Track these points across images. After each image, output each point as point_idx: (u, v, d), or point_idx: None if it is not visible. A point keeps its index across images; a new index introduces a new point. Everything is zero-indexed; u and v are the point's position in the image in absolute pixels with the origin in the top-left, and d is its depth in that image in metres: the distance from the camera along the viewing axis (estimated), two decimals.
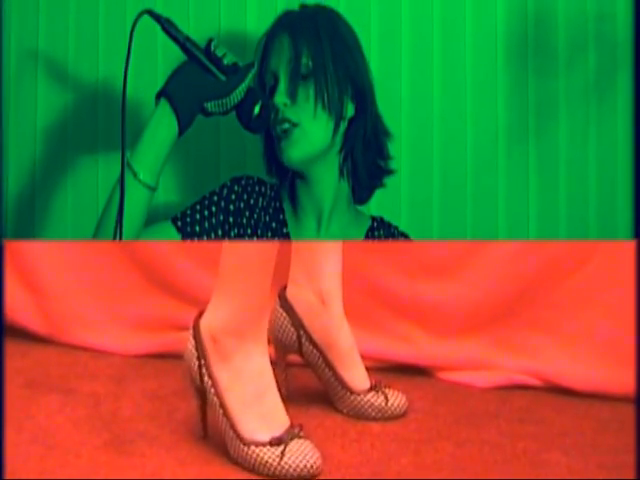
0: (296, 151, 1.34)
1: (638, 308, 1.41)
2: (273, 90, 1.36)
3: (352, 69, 1.37)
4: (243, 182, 1.42)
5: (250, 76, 1.26)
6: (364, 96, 1.38)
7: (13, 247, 1.57)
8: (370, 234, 1.44)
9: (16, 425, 1.28)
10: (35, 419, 1.31)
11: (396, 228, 1.47)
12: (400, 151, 1.65)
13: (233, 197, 1.39)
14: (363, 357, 1.39)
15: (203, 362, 1.22)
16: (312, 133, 1.34)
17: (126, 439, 1.25)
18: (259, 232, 1.39)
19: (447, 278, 1.52)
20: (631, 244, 1.44)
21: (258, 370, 1.21)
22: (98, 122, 1.69)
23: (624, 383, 1.42)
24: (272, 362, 1.34)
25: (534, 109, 1.72)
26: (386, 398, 1.35)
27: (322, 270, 1.36)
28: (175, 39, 1.25)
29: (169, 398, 1.39)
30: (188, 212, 1.37)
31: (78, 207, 1.70)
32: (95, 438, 1.25)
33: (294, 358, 1.39)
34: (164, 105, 1.23)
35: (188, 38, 1.25)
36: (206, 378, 1.21)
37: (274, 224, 1.41)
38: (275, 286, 1.38)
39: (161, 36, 1.61)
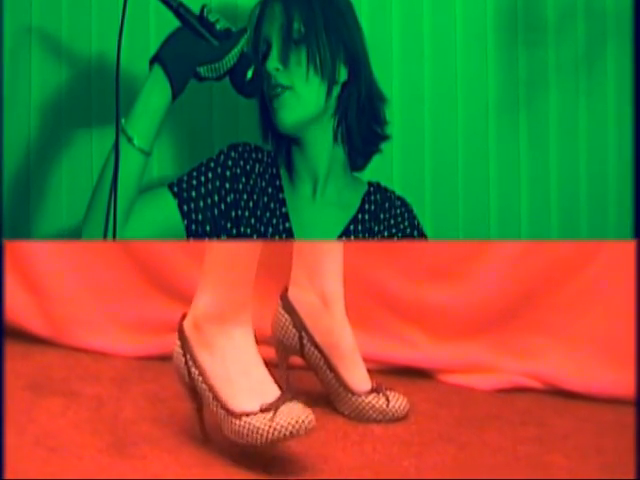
0: (289, 115, 1.35)
1: (638, 308, 1.41)
2: (266, 56, 1.37)
3: (344, 33, 1.38)
4: (240, 149, 1.43)
5: (243, 41, 1.27)
6: (357, 60, 1.39)
7: (15, 249, 1.57)
8: (367, 199, 1.44)
9: (18, 428, 1.28)
10: (37, 422, 1.31)
11: (392, 193, 1.47)
12: (392, 122, 1.66)
13: (230, 163, 1.40)
14: (365, 359, 1.39)
15: (189, 357, 1.22)
16: (304, 97, 1.35)
17: (128, 441, 1.25)
18: (255, 197, 1.40)
19: (449, 281, 1.51)
20: (631, 244, 1.44)
21: (241, 349, 1.21)
22: (92, 96, 1.69)
23: (625, 386, 1.42)
24: (274, 364, 1.34)
25: (524, 80, 1.73)
26: (387, 400, 1.35)
27: (324, 271, 1.36)
28: (168, 4, 1.26)
29: (171, 400, 1.39)
30: (185, 178, 1.38)
31: (73, 181, 1.70)
32: (97, 441, 1.25)
33: (295, 361, 1.39)
34: (157, 70, 1.24)
35: (181, 4, 1.26)
36: (193, 369, 1.22)
37: (270, 190, 1.41)
38: (277, 288, 1.39)
39: (154, 7, 1.61)
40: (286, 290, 1.39)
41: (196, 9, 1.26)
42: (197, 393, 1.23)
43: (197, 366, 1.22)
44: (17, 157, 1.71)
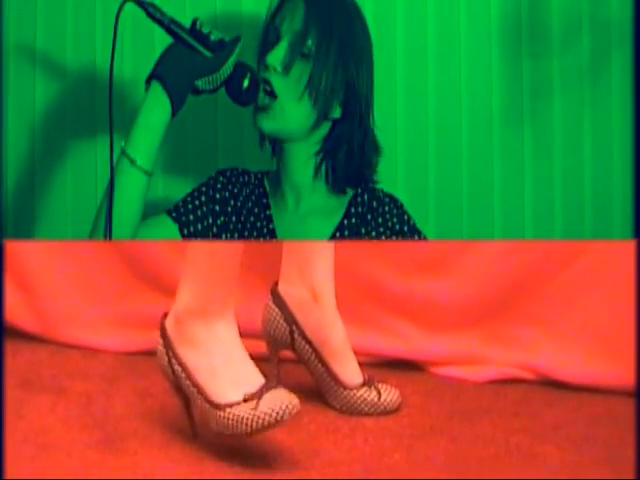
0: (269, 124, 1.35)
1: (638, 308, 1.40)
2: (271, 46, 1.36)
3: (353, 72, 1.36)
4: (228, 173, 1.45)
5: (237, 49, 1.27)
6: (357, 102, 1.37)
7: (6, 246, 1.57)
8: (353, 202, 1.42)
9: (8, 425, 1.27)
10: (27, 419, 1.31)
11: (381, 191, 1.45)
12: (397, 133, 1.67)
13: (219, 186, 1.42)
14: (356, 352, 1.38)
15: (171, 354, 1.22)
16: (289, 112, 1.34)
17: (118, 438, 1.25)
18: (242, 219, 1.41)
19: (439, 273, 1.51)
20: (631, 244, 1.44)
21: (224, 342, 1.21)
22: (96, 111, 1.70)
23: (617, 376, 1.42)
24: (264, 358, 1.34)
25: (529, 91, 1.72)
26: (379, 393, 1.35)
27: (314, 266, 1.36)
28: (160, 22, 1.25)
29: (161, 396, 1.38)
30: (180, 204, 1.40)
31: (77, 196, 1.71)
32: (87, 437, 1.25)
33: (286, 354, 1.39)
34: (156, 87, 1.23)
35: (173, 20, 1.25)
36: (176, 367, 1.22)
37: (257, 209, 1.42)
38: (267, 282, 1.39)
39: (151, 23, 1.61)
40: (276, 284, 1.38)
41: (187, 22, 1.26)
42: (183, 390, 1.23)
43: (180, 363, 1.22)
44: (21, 171, 1.71)
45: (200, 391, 1.20)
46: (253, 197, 1.43)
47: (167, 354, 1.23)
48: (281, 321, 1.37)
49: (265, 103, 1.34)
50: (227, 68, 1.26)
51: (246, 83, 1.29)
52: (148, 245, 1.54)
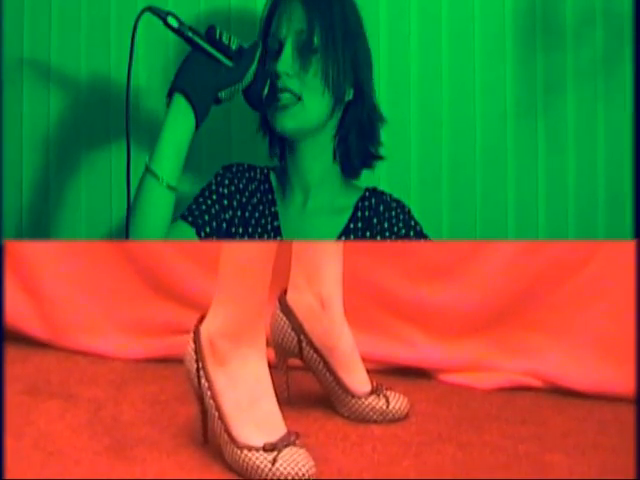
0: (291, 123, 1.35)
1: (638, 308, 1.40)
2: (274, 55, 1.36)
3: (357, 53, 1.39)
4: (234, 169, 1.45)
5: (257, 56, 1.27)
6: (363, 81, 1.40)
7: (14, 252, 1.57)
8: (360, 205, 1.43)
9: (16, 431, 1.28)
10: (35, 425, 1.31)
11: (389, 196, 1.46)
12: (409, 127, 1.68)
13: (226, 182, 1.42)
14: (364, 360, 1.38)
15: (201, 365, 1.22)
16: (310, 109, 1.35)
17: (127, 444, 1.25)
18: (247, 215, 1.41)
19: (448, 280, 1.51)
20: (631, 244, 1.44)
21: (254, 375, 1.20)
22: (109, 119, 1.69)
23: (625, 384, 1.42)
24: (273, 366, 1.34)
25: (542, 84, 1.72)
26: (387, 401, 1.35)
27: (322, 274, 1.36)
28: (179, 32, 1.24)
29: (170, 403, 1.39)
30: (194, 206, 1.39)
31: (92, 197, 1.70)
32: (96, 443, 1.25)
33: (295, 362, 1.39)
34: (179, 100, 1.23)
35: (192, 29, 1.24)
36: (203, 381, 1.21)
37: (262, 205, 1.42)
38: (275, 290, 1.39)
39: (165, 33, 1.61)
40: (284, 293, 1.38)
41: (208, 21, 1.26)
42: (202, 396, 1.23)
43: (209, 381, 1.21)
44: (35, 182, 1.71)
45: (221, 418, 1.19)
46: (258, 193, 1.43)
47: (196, 362, 1.22)
48: (289, 330, 1.37)
49: (286, 103, 1.34)
50: (248, 77, 1.26)
51: (266, 90, 1.30)
52: (159, 252, 1.54)
